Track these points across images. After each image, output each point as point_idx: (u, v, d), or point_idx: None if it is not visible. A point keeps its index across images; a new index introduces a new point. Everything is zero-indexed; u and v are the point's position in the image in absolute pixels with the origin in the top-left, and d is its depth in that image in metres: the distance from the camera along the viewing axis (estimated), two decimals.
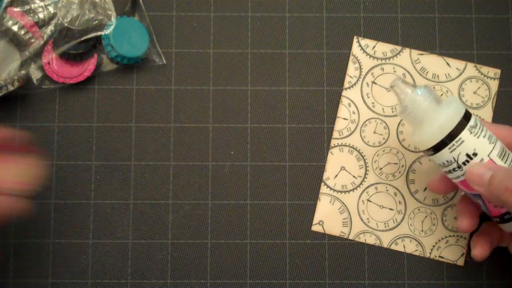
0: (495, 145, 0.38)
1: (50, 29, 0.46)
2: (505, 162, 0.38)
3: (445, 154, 0.38)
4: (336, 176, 0.47)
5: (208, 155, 0.47)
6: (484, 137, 0.37)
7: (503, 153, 0.38)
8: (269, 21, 0.48)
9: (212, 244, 0.46)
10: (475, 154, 0.37)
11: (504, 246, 0.43)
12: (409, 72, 0.48)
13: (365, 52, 0.48)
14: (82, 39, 0.45)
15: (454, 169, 0.38)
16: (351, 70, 0.48)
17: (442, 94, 0.47)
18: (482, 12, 0.49)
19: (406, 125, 0.47)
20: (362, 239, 0.46)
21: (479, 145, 0.37)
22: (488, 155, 0.37)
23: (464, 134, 0.37)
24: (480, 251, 0.41)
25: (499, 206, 0.39)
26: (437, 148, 0.38)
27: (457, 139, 0.37)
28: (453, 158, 0.38)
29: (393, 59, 0.48)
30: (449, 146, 0.37)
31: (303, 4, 0.49)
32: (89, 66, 0.47)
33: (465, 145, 0.37)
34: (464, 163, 0.38)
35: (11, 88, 0.44)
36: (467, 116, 0.38)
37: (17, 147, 0.41)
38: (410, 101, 0.38)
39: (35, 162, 0.40)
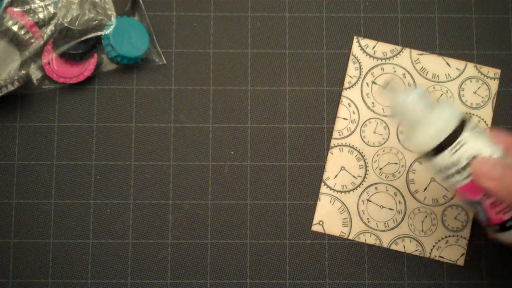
0: (495, 147, 0.37)
1: (50, 29, 0.46)
2: None
3: (445, 157, 0.36)
4: (336, 176, 0.47)
5: (208, 155, 0.47)
6: (484, 139, 0.36)
7: (503, 156, 0.37)
8: (269, 21, 0.48)
9: (212, 244, 0.46)
10: (477, 156, 0.36)
11: None
12: (409, 72, 0.48)
13: (365, 52, 0.48)
14: (82, 39, 0.45)
15: (455, 173, 0.37)
16: (351, 70, 0.48)
17: (442, 94, 0.47)
18: (482, 12, 0.49)
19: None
20: (362, 239, 0.46)
21: (481, 146, 0.36)
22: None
23: (465, 135, 0.36)
24: None
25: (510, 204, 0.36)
26: (438, 150, 0.36)
27: (458, 140, 0.36)
28: (454, 161, 0.36)
29: (393, 59, 0.48)
30: (451, 147, 0.36)
31: (303, 4, 0.49)
32: (89, 66, 0.47)
33: (467, 146, 0.36)
34: (467, 166, 0.36)
35: (11, 88, 0.44)
36: (467, 117, 0.37)
37: None
38: (401, 104, 0.37)
39: None
